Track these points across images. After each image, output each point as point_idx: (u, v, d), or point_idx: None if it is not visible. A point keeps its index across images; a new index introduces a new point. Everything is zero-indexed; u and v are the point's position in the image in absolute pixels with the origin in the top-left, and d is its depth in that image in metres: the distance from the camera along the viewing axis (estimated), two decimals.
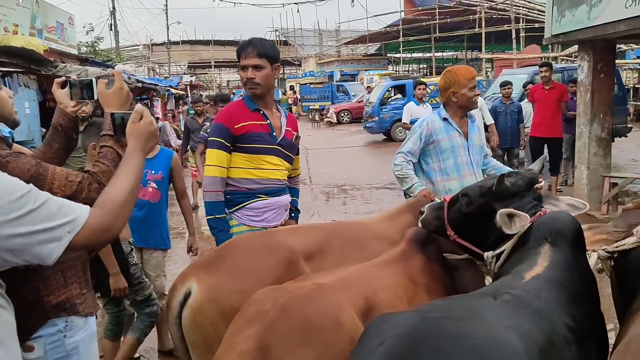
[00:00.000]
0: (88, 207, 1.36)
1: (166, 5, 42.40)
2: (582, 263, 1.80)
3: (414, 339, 1.31)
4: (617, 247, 1.92)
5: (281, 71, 46.71)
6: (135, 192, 1.52)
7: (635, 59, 20.03)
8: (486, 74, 26.98)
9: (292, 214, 3.08)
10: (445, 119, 3.26)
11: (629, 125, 11.86)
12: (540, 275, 1.65)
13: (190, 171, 8.53)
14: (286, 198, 2.95)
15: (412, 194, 3.18)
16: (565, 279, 1.66)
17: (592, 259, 1.97)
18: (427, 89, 8.97)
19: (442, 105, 3.34)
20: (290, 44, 44.26)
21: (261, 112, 2.85)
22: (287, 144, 2.90)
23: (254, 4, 72.89)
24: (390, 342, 1.31)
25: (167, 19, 42.16)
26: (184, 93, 29.48)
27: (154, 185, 3.59)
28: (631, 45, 16.72)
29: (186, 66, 45.69)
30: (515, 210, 1.90)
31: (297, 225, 2.53)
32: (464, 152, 3.26)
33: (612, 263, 1.98)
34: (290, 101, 32.64)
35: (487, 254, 2.01)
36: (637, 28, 5.51)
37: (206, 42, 46.16)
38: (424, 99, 8.41)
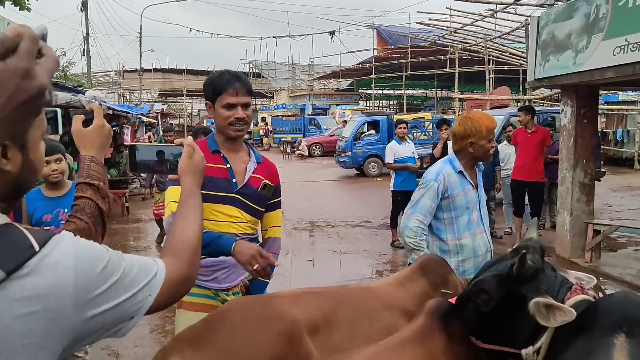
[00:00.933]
0: (161, 260, 1.13)
1: (140, 33, 42.08)
2: None
3: None
4: None
5: (253, 102, 46.69)
6: (201, 235, 1.31)
7: (602, 104, 20.63)
8: (454, 113, 27.34)
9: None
10: (460, 172, 2.91)
11: (603, 170, 12.00)
12: None
13: (152, 209, 8.00)
14: None
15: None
16: None
17: None
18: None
19: (453, 154, 2.98)
20: (263, 76, 44.40)
21: (221, 154, 2.46)
22: (250, 193, 2.45)
23: (231, 35, 73.14)
24: None
25: (140, 46, 41.77)
26: (155, 121, 29.00)
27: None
28: (606, 91, 17.21)
29: (157, 94, 45.21)
30: (553, 301, 1.55)
31: (300, 291, 2.15)
32: (476, 207, 2.96)
33: None
34: (261, 133, 32.45)
35: (527, 352, 1.62)
36: (625, 75, 5.46)
37: (179, 71, 45.87)
38: (405, 137, 8.23)
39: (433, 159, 7.79)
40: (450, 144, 7.83)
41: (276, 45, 37.00)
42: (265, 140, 32.14)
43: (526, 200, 7.86)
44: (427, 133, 18.17)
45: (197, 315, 2.26)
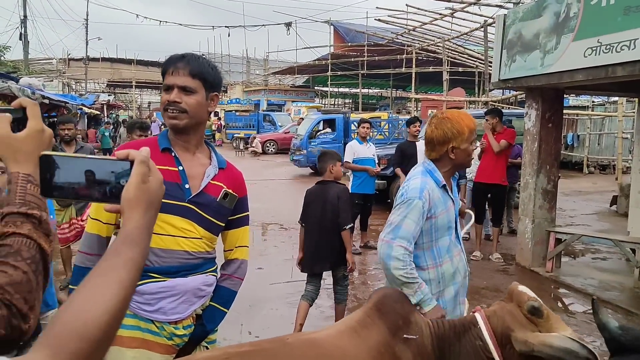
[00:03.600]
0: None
1: (86, 19, 40.18)
2: None
3: None
4: None
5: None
6: (118, 318, 0.82)
7: None
8: (408, 113, 27.40)
9: (203, 326, 2.08)
10: (443, 186, 2.42)
11: (559, 175, 11.98)
12: None
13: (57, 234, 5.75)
14: (196, 280, 1.99)
15: (422, 310, 2.26)
16: None
17: None
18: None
19: (431, 164, 2.47)
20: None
21: (173, 153, 1.99)
22: (207, 203, 2.00)
23: (181, 24, 70.92)
24: None
25: (86, 33, 39.89)
26: (99, 112, 27.61)
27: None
28: (572, 95, 17.40)
29: (105, 84, 43.45)
30: None
31: (213, 355, 1.66)
32: (454, 225, 2.48)
33: None
34: (214, 127, 31.50)
35: None
36: (597, 78, 5.19)
37: (128, 61, 44.24)
38: (367, 137, 7.79)
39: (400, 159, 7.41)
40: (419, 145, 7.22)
41: (229, 35, 35.83)
42: (217, 135, 31.18)
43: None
44: (382, 133, 17.92)
45: (137, 353, 1.91)
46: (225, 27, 35.77)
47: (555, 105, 6.59)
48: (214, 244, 2.10)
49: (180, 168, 1.97)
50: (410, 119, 8.23)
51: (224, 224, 2.11)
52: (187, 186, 1.97)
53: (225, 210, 2.08)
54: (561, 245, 6.44)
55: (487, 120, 7.21)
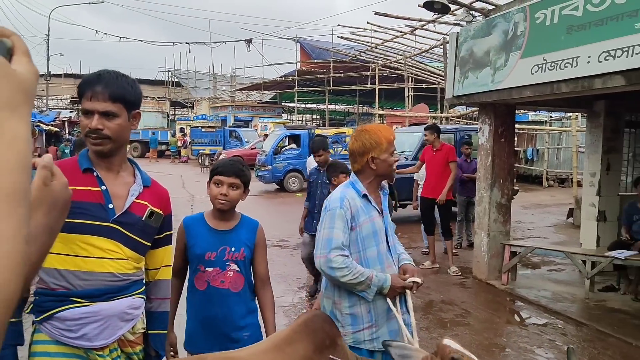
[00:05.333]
0: None
1: (48, 35, 39.39)
2: None
3: None
4: None
5: (172, 112, 45.26)
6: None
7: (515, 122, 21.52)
8: None
9: (158, 355, 2.14)
10: (365, 196, 2.47)
11: (516, 188, 12.24)
12: None
13: None
14: (122, 304, 1.95)
15: (383, 292, 2.36)
16: None
17: None
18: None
19: (354, 176, 2.55)
20: (183, 86, 43.08)
21: (95, 173, 1.95)
22: (133, 222, 1.97)
23: (141, 40, 70.24)
24: None
25: (47, 49, 39.08)
26: (59, 130, 26.98)
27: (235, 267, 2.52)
28: (518, 111, 17.88)
29: (68, 100, 42.56)
30: None
31: None
32: (383, 236, 2.51)
33: None
34: (179, 144, 31.17)
35: None
36: (543, 95, 5.34)
37: None
38: None
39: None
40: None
41: (189, 51, 35.72)
42: (183, 152, 30.87)
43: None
44: (347, 148, 18.05)
45: None
46: (187, 43, 35.63)
47: (507, 121, 6.74)
48: (140, 265, 2.06)
49: (103, 188, 1.94)
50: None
51: (150, 244, 2.08)
52: (110, 206, 1.93)
53: (151, 229, 2.06)
54: (515, 258, 6.55)
55: (425, 135, 7.41)
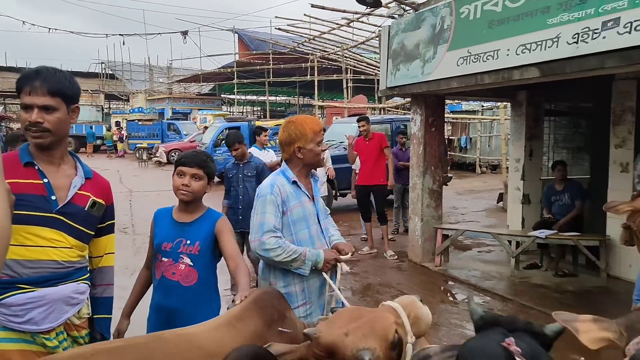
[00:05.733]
0: None
1: None
2: None
3: None
4: None
5: (107, 106, 43.71)
6: None
7: (449, 113, 22.28)
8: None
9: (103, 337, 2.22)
10: (294, 182, 2.65)
11: (450, 175, 12.79)
12: None
13: None
14: (67, 289, 2.04)
15: (318, 266, 2.54)
16: None
17: None
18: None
19: (284, 164, 2.73)
20: (117, 78, 41.68)
21: (36, 167, 2.02)
22: (76, 213, 2.07)
23: (72, 31, 67.11)
24: None
25: None
26: None
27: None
28: (452, 101, 18.51)
29: None
30: None
31: (83, 351, 1.71)
32: (314, 220, 2.69)
33: None
34: (115, 138, 30.20)
35: None
36: (468, 86, 5.66)
37: (18, 70, 41.20)
38: (265, 144, 7.90)
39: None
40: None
41: (123, 43, 34.66)
42: (120, 146, 29.94)
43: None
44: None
45: None
46: (120, 35, 34.51)
47: (437, 111, 7.07)
48: (84, 253, 2.15)
49: (45, 180, 2.01)
50: (256, 128, 8.54)
51: (93, 232, 2.18)
52: (53, 197, 2.01)
53: (94, 219, 2.16)
54: (447, 241, 6.91)
55: (361, 126, 7.68)
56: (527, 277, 6.59)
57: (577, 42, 4.24)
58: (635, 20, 3.79)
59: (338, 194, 11.35)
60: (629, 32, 3.81)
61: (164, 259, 2.48)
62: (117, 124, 32.76)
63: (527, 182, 7.72)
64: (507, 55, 5.00)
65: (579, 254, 6.53)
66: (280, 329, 1.98)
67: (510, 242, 6.60)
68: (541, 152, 7.98)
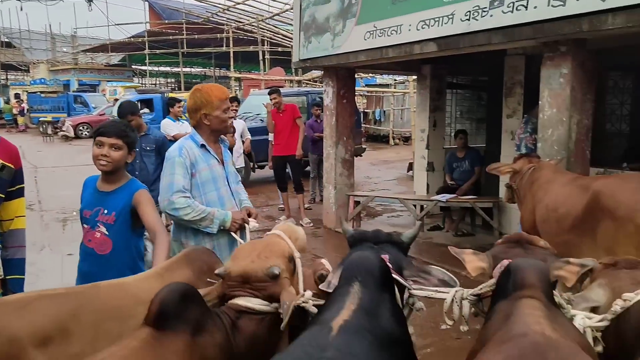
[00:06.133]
0: None
1: None
2: (390, 300, 1.73)
3: None
4: (480, 289, 1.84)
5: (4, 77, 40.43)
6: None
7: (364, 86, 22.85)
8: (235, 92, 27.59)
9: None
10: (202, 146, 2.82)
11: (364, 146, 13.27)
12: (349, 324, 1.50)
13: None
14: None
15: (226, 225, 2.71)
16: (374, 325, 1.56)
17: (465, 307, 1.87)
18: None
19: (193, 130, 2.89)
20: (15, 47, 38.55)
21: None
22: None
23: None
24: None
25: None
26: None
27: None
28: (363, 74, 18.97)
29: None
30: None
31: (32, 295, 1.81)
32: (224, 182, 2.88)
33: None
34: (15, 111, 28.15)
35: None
36: (375, 59, 5.96)
37: None
38: (179, 116, 7.82)
39: None
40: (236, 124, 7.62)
41: (21, 9, 32.19)
42: (20, 119, 27.96)
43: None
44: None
45: None
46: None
47: (348, 83, 7.36)
48: None
49: None
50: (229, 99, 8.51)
51: (4, 196, 2.24)
52: None
53: (4, 182, 2.22)
54: (359, 207, 7.31)
55: (273, 99, 7.86)
56: (430, 238, 7.14)
57: (469, 20, 4.63)
58: (517, 1, 4.21)
59: (256, 166, 11.48)
60: (512, 12, 4.23)
61: (84, 225, 2.57)
62: (17, 96, 30.46)
63: (431, 151, 8.25)
64: (409, 30, 5.33)
65: (476, 216, 7.15)
66: (208, 279, 2.15)
67: (415, 206, 7.10)
68: (444, 123, 8.54)
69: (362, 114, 20.62)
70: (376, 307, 1.61)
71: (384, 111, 21.40)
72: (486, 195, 7.25)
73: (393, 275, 1.82)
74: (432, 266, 2.00)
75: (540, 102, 4.42)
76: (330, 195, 7.56)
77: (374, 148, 18.94)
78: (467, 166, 7.42)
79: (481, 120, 9.42)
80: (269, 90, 8.89)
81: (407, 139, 20.88)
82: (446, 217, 7.65)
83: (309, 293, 1.87)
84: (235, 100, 8.27)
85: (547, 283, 1.64)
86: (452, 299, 1.88)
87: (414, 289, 1.89)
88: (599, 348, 1.85)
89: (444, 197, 6.93)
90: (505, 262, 1.77)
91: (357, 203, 7.34)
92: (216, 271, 1.86)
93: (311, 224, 7.83)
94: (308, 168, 9.81)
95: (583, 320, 1.77)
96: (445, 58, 6.46)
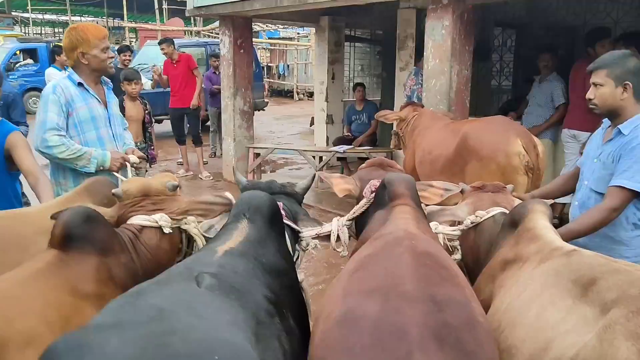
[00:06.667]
0: None
1: None
2: (277, 237, 1.82)
3: None
4: (354, 212, 2.06)
5: None
6: None
7: (267, 39, 22.46)
8: (130, 43, 26.10)
9: None
10: (80, 84, 2.74)
11: (266, 100, 13.20)
12: (235, 250, 1.57)
13: None
14: None
15: (105, 165, 2.68)
16: (260, 253, 1.63)
17: None
18: None
19: (71, 69, 2.80)
20: None
21: None
22: None
23: None
24: None
25: None
26: None
27: None
28: (266, 25, 18.61)
29: None
30: None
31: None
32: (105, 124, 2.84)
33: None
34: None
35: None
36: (271, 8, 5.89)
37: None
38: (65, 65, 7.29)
39: None
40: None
41: None
42: None
43: None
44: None
45: None
46: None
47: (245, 33, 7.23)
48: None
49: None
50: (120, 48, 8.08)
51: None
52: None
53: None
54: (258, 159, 7.34)
55: (163, 49, 7.61)
56: (328, 188, 7.32)
57: None
58: None
59: (154, 121, 11.06)
60: None
61: None
62: None
63: (330, 103, 8.40)
64: None
65: None
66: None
67: (314, 157, 7.26)
68: (342, 76, 8.69)
69: (265, 68, 20.39)
70: (263, 241, 1.69)
71: (288, 65, 21.27)
72: (382, 147, 7.56)
73: (285, 221, 1.95)
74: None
75: (424, 53, 4.64)
76: (229, 147, 7.51)
77: (278, 103, 18.89)
78: (365, 119, 7.65)
79: (378, 73, 9.70)
80: (159, 40, 8.54)
81: (311, 94, 20.80)
82: (344, 167, 7.90)
83: (192, 217, 2.02)
84: (128, 49, 7.84)
85: (415, 192, 1.89)
86: (337, 229, 2.06)
87: (304, 231, 2.05)
88: (457, 256, 2.12)
89: (341, 148, 7.14)
90: (374, 181, 2.00)
91: (257, 155, 7.36)
92: (113, 190, 1.96)
93: (211, 177, 7.77)
94: (209, 123, 9.63)
95: (436, 227, 2.03)
96: (343, 10, 6.52)
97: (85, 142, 2.70)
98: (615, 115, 2.30)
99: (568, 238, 2.10)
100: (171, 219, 1.97)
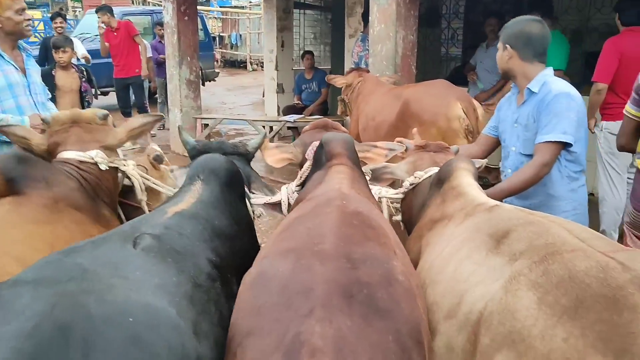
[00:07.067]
0: None
1: None
2: (234, 201, 1.79)
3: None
4: (300, 178, 2.00)
5: None
6: None
7: (219, 7, 21.82)
8: (75, 13, 24.94)
9: None
10: None
11: (217, 71, 12.89)
12: (185, 211, 1.54)
13: None
14: None
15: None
16: (212, 215, 1.60)
17: None
18: None
19: None
20: None
21: None
22: None
23: None
24: None
25: None
26: None
27: None
28: None
29: None
30: None
31: None
32: (25, 92, 2.70)
33: None
34: None
35: None
36: None
37: None
38: None
39: None
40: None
41: None
42: None
43: None
44: (37, 35, 16.07)
45: None
46: None
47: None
48: None
49: None
50: (52, 15, 7.74)
51: None
52: None
53: None
54: (207, 130, 7.17)
55: (99, 17, 7.32)
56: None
57: None
58: None
59: (99, 92, 10.64)
60: None
61: None
62: None
63: (280, 72, 8.26)
64: None
65: None
66: None
67: (264, 127, 7.14)
68: (292, 43, 8.54)
69: (217, 38, 19.88)
70: (217, 203, 1.66)
71: (240, 35, 20.79)
72: (332, 115, 7.50)
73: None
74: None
75: (369, 18, 4.57)
76: (176, 118, 7.31)
77: (231, 74, 18.51)
78: (315, 87, 7.57)
79: (327, 42, 9.58)
80: (96, 9, 8.16)
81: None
82: (295, 136, 7.82)
83: (131, 162, 2.10)
84: (59, 15, 7.47)
85: (353, 152, 1.85)
86: (287, 196, 2.03)
87: (253, 198, 2.00)
88: (398, 217, 2.10)
89: (291, 117, 7.05)
90: (316, 143, 1.94)
91: (205, 126, 7.19)
92: (42, 116, 1.98)
93: (158, 151, 7.55)
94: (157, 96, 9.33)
95: (379, 190, 2.00)
96: None
97: (3, 111, 2.56)
98: (510, 77, 2.42)
99: (500, 197, 2.12)
100: (110, 161, 2.00)
